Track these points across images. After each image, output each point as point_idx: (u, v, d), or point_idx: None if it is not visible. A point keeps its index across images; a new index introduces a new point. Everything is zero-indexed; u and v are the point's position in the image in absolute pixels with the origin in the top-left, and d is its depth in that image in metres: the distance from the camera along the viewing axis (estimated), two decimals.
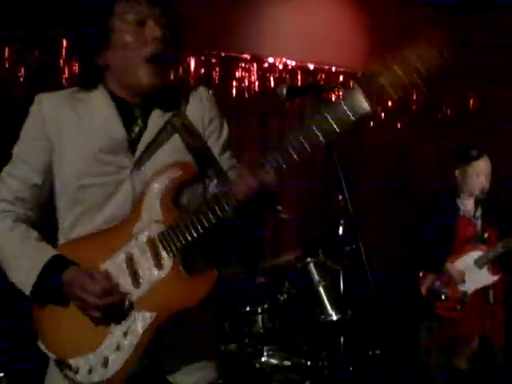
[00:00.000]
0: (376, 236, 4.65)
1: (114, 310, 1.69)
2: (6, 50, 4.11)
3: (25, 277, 1.77)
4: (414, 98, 5.90)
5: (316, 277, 3.56)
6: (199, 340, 1.82)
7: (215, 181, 1.82)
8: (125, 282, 1.72)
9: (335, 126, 1.59)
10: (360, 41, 5.67)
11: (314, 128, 1.59)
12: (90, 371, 1.70)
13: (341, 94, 5.03)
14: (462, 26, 5.86)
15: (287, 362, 3.36)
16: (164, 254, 1.72)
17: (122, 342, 1.69)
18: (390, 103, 5.75)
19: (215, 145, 1.89)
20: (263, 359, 3.37)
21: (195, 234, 1.69)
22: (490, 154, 4.32)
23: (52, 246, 1.84)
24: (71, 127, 1.80)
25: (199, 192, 1.85)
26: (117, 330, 1.70)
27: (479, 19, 5.86)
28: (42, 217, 1.88)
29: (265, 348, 3.42)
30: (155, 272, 1.71)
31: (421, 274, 4.23)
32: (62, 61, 4.25)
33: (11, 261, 1.79)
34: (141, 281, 1.72)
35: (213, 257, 1.85)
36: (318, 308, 3.50)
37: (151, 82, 1.78)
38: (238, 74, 5.01)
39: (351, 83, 1.57)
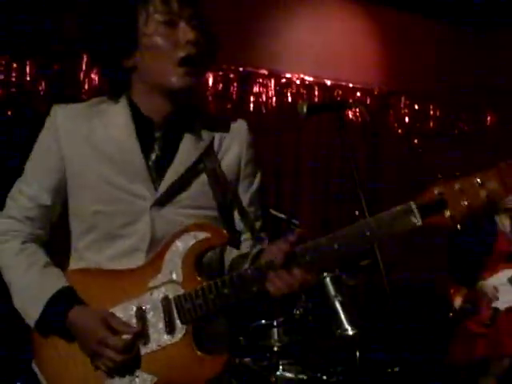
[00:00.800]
0: (395, 250, 4.64)
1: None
2: (28, 63, 4.17)
3: (29, 309, 1.69)
4: (431, 113, 5.91)
5: (332, 291, 3.55)
6: None
7: (241, 251, 1.74)
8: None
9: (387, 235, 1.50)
10: (377, 56, 5.70)
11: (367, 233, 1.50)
12: None
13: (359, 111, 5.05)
14: (481, 43, 5.87)
15: (302, 376, 3.33)
16: (177, 320, 1.62)
17: None
18: (406, 119, 5.77)
19: (245, 193, 1.79)
20: (278, 373, 3.35)
21: (213, 310, 1.61)
22: None
23: (63, 264, 1.76)
24: (85, 145, 1.69)
25: (223, 257, 1.76)
26: (117, 383, 1.63)
27: (498, 36, 5.86)
28: (54, 234, 1.79)
29: (280, 362, 3.40)
30: (165, 335, 1.62)
31: (452, 289, 4.22)
32: (82, 74, 4.30)
33: (16, 288, 1.71)
34: (150, 339, 1.63)
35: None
36: (334, 323, 3.48)
37: (183, 84, 1.64)
38: (255, 90, 5.04)
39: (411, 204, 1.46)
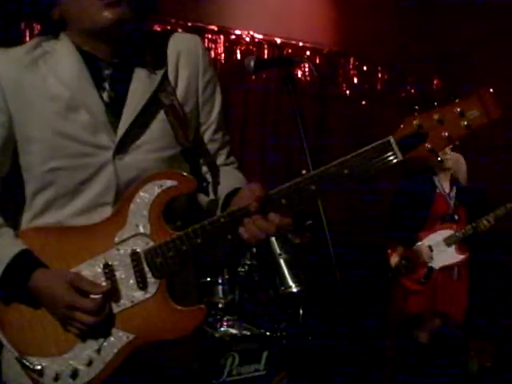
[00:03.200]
0: (339, 209, 4.71)
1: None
2: None
3: None
4: (379, 76, 5.95)
5: (277, 249, 3.59)
6: (176, 360, 1.67)
7: (212, 197, 1.65)
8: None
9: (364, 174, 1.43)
10: (328, 16, 5.67)
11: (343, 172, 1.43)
12: (56, 379, 1.56)
13: (308, 68, 5.04)
14: (431, 7, 5.90)
15: (246, 333, 3.38)
16: (149, 274, 1.53)
17: (94, 357, 1.54)
18: (355, 80, 5.80)
19: (208, 119, 1.70)
20: (223, 329, 3.39)
21: (186, 262, 1.54)
22: None
23: (16, 223, 1.63)
24: (35, 94, 1.54)
25: (192, 204, 1.67)
26: (90, 343, 1.55)
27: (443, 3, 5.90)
28: (3, 194, 1.63)
29: (224, 318, 3.44)
30: (138, 292, 1.54)
31: (390, 248, 4.32)
32: None
33: None
34: (121, 296, 1.54)
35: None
36: (279, 279, 3.53)
37: (108, 19, 1.50)
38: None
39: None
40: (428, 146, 1.39)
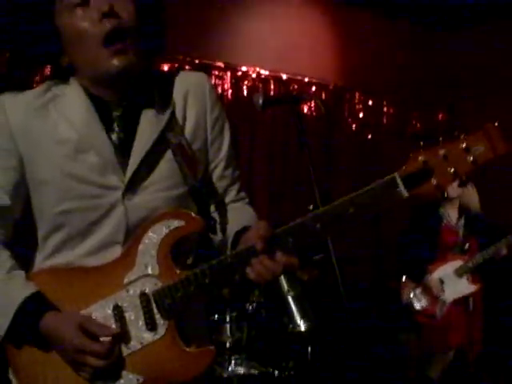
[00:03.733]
0: (347, 244, 4.69)
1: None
2: None
3: None
4: (385, 110, 5.98)
5: (285, 286, 3.56)
6: None
7: (220, 235, 1.66)
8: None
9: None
10: (333, 52, 5.73)
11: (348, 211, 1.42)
12: None
13: (314, 104, 5.07)
14: (437, 42, 5.96)
15: (254, 371, 3.34)
16: (158, 315, 1.54)
17: None
18: (360, 115, 5.83)
19: (217, 156, 1.70)
20: (230, 368, 3.35)
21: (195, 302, 1.55)
22: None
23: (29, 263, 1.65)
24: (44, 138, 1.56)
25: (202, 241, 1.67)
26: None
27: (450, 36, 5.96)
28: (17, 235, 1.65)
29: (232, 357, 3.40)
30: (147, 333, 1.54)
31: (403, 281, 4.28)
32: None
33: None
34: (130, 338, 1.54)
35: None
36: (287, 318, 3.50)
37: (115, 67, 1.50)
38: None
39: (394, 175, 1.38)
40: (434, 182, 1.38)
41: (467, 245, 4.26)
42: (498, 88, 5.59)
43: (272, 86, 5.31)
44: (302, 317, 3.47)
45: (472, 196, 4.42)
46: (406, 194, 1.38)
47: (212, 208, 1.73)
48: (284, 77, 5.36)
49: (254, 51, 5.21)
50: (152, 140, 1.57)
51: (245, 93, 5.16)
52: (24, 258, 1.66)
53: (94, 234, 1.58)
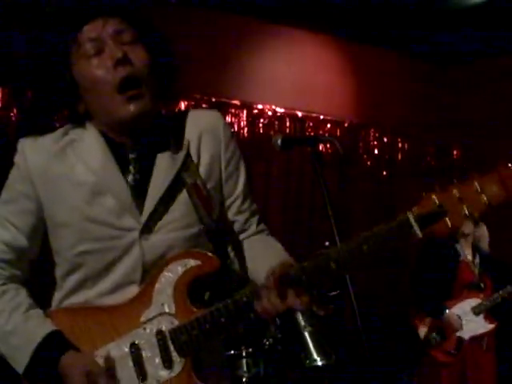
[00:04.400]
0: (363, 281, 4.69)
1: None
2: (0, 90, 4.16)
3: (16, 357, 1.59)
4: (400, 147, 6.02)
5: (302, 321, 3.56)
6: None
7: (237, 271, 1.69)
8: (129, 374, 1.56)
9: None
10: (348, 89, 5.80)
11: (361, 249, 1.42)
12: None
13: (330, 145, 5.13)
14: (450, 78, 6.01)
15: None
16: (174, 353, 1.55)
17: None
18: (376, 151, 5.87)
19: (234, 191, 1.71)
20: None
21: (210, 340, 1.56)
22: None
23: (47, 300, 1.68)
24: (62, 181, 1.59)
25: (216, 283, 1.66)
26: None
27: (465, 72, 6.02)
28: (36, 273, 1.70)
29: None
30: (163, 371, 1.55)
31: (417, 318, 4.26)
32: None
33: (1, 336, 1.61)
34: (147, 376, 1.56)
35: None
36: (304, 353, 3.49)
37: (130, 113, 1.54)
38: (227, 120, 5.08)
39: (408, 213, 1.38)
40: (448, 222, 1.38)
41: (483, 283, 4.26)
42: None
43: (288, 124, 5.38)
44: (319, 352, 3.46)
45: (483, 235, 4.44)
46: (419, 234, 1.38)
47: (230, 245, 1.75)
48: (299, 114, 5.43)
49: (269, 89, 5.29)
50: (168, 181, 1.60)
51: (261, 130, 5.23)
52: (43, 297, 1.70)
53: (111, 274, 1.60)
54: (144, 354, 1.56)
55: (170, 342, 1.56)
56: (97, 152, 1.61)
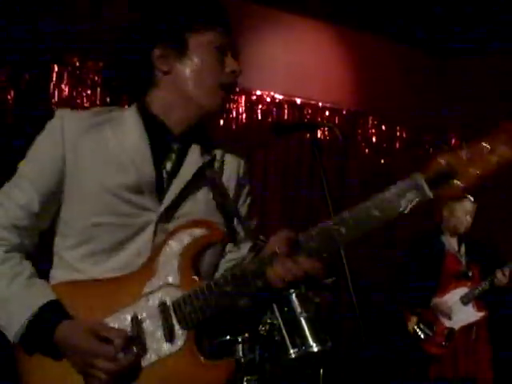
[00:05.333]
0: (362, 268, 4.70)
1: (120, 375, 1.50)
2: None
3: (12, 324, 1.55)
4: (398, 135, 6.01)
5: (298, 308, 3.56)
6: None
7: (245, 251, 1.68)
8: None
9: (388, 216, 1.40)
10: (347, 77, 5.79)
11: (367, 215, 1.41)
12: None
13: (329, 131, 5.12)
14: (448, 67, 6.00)
15: None
16: (177, 325, 1.52)
17: None
18: (374, 139, 5.87)
19: (242, 207, 1.78)
20: None
21: (216, 311, 1.52)
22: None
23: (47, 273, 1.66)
24: (93, 153, 1.61)
25: (222, 258, 1.70)
26: None
27: (463, 61, 6.01)
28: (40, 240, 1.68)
29: (245, 378, 3.40)
30: (165, 344, 1.52)
31: (406, 310, 4.26)
32: (52, 85, 4.28)
33: None
34: (148, 349, 1.53)
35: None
36: (299, 339, 3.49)
37: (218, 108, 1.68)
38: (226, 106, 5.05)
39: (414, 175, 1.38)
40: (459, 183, 1.35)
41: (471, 272, 4.27)
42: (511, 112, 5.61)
43: (286, 111, 5.37)
44: (315, 338, 3.46)
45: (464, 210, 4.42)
46: (430, 195, 1.37)
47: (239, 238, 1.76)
48: (298, 101, 5.42)
49: (268, 76, 5.27)
50: (193, 172, 1.65)
51: (259, 117, 5.22)
52: (44, 272, 1.68)
53: (120, 252, 1.60)
54: (145, 327, 1.54)
55: (173, 314, 1.53)
56: (133, 133, 1.64)
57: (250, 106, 5.19)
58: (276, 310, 3.54)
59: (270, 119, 5.20)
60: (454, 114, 5.99)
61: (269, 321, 3.57)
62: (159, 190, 1.62)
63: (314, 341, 3.50)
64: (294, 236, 1.47)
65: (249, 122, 5.17)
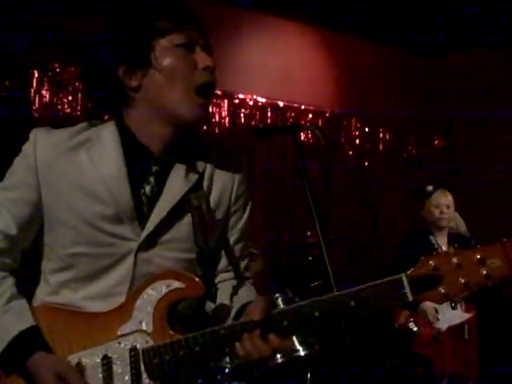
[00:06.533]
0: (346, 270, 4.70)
1: None
2: None
3: None
4: (381, 137, 6.04)
5: None
6: None
7: (214, 306, 1.63)
8: None
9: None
10: (330, 79, 5.79)
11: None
12: None
13: (312, 134, 5.11)
14: (432, 68, 6.03)
15: None
16: (145, 374, 1.51)
17: None
18: (357, 142, 5.88)
19: (233, 228, 1.70)
20: None
21: (182, 368, 1.51)
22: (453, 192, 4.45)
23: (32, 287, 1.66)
24: (68, 180, 1.56)
25: (199, 309, 1.64)
26: None
27: (447, 62, 6.04)
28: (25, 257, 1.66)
29: (233, 383, 3.38)
30: None
31: (395, 311, 4.27)
32: (32, 91, 4.24)
33: None
34: None
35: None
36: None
37: (197, 116, 1.55)
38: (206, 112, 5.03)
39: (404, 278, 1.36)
40: (442, 290, 1.35)
41: None
42: (494, 113, 5.65)
43: (269, 114, 5.36)
44: (301, 342, 3.46)
45: (459, 222, 4.46)
46: (410, 297, 1.36)
47: (217, 278, 1.72)
48: (281, 104, 5.42)
49: (251, 79, 5.27)
50: (176, 199, 1.58)
51: (242, 120, 5.21)
52: (27, 288, 1.67)
53: (100, 281, 1.58)
54: (115, 369, 1.53)
55: (141, 362, 1.52)
56: (110, 157, 1.57)
57: (233, 110, 5.18)
58: None
59: (253, 123, 5.18)
60: (438, 115, 6.02)
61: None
62: (139, 216, 1.57)
63: (301, 345, 3.50)
64: (268, 310, 1.45)
65: (232, 126, 5.15)
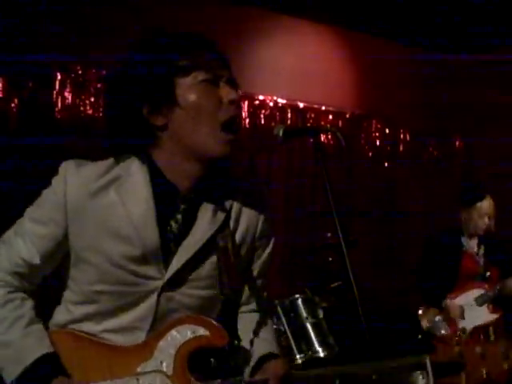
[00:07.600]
0: (367, 272, 4.69)
1: None
2: (0, 80, 4.14)
3: (7, 369, 1.55)
4: (401, 138, 6.01)
5: (304, 313, 3.56)
6: None
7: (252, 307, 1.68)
8: None
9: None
10: (350, 80, 5.78)
11: None
12: None
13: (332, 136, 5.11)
14: (451, 67, 5.99)
15: None
16: None
17: None
18: (377, 143, 5.86)
19: (256, 261, 1.72)
20: None
21: None
22: None
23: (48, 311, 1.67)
24: (96, 219, 1.56)
25: (218, 359, 1.61)
26: None
27: (467, 63, 6.00)
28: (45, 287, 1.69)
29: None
30: None
31: (421, 310, 4.26)
32: (55, 93, 4.29)
33: None
34: None
35: None
36: (305, 344, 3.49)
37: (224, 152, 1.55)
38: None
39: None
40: (463, 377, 1.37)
41: (488, 273, 4.26)
42: None
43: (289, 115, 5.36)
44: (321, 343, 3.46)
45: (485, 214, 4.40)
46: (432, 382, 1.38)
47: (239, 309, 1.74)
48: (301, 105, 5.41)
49: (271, 80, 5.27)
50: (202, 241, 1.59)
51: (262, 121, 5.21)
52: (48, 311, 1.69)
53: (122, 316, 1.59)
54: None
55: None
56: (140, 195, 1.57)
57: (253, 111, 5.19)
58: (282, 316, 3.54)
59: (273, 124, 5.19)
60: (458, 115, 5.97)
61: (275, 327, 3.57)
62: (165, 255, 1.58)
63: (320, 346, 3.50)
64: (288, 372, 1.49)
65: (252, 127, 5.16)
